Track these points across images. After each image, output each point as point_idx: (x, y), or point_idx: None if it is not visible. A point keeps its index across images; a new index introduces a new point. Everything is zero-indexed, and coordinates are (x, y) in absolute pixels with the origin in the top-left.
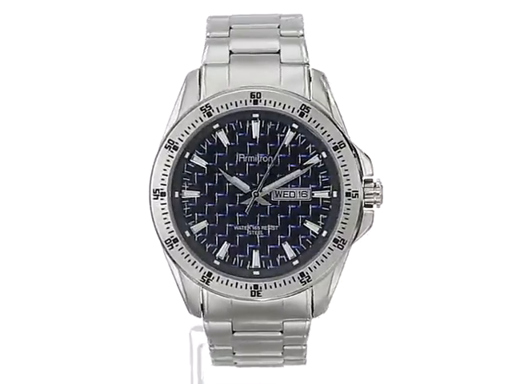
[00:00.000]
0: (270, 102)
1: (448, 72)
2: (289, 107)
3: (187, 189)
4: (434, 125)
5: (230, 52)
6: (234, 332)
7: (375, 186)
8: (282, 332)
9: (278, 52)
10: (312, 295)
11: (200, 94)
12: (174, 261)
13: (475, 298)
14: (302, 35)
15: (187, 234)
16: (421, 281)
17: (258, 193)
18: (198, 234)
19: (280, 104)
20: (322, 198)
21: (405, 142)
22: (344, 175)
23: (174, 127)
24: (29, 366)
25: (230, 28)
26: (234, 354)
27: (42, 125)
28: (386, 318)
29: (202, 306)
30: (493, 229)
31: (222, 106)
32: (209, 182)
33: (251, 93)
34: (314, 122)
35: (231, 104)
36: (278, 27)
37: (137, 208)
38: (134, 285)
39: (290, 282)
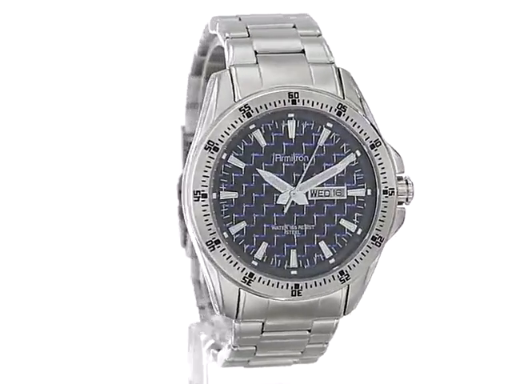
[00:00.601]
0: (308, 101)
1: (449, 67)
2: (326, 106)
3: (225, 190)
4: (440, 120)
5: (255, 52)
6: (262, 332)
7: (407, 182)
8: (309, 331)
9: (303, 52)
10: (347, 293)
11: (234, 94)
12: (214, 263)
13: (486, 299)
14: (320, 34)
15: (225, 235)
16: (426, 281)
17: (295, 192)
18: (236, 235)
19: (318, 103)
20: (357, 197)
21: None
22: (381, 173)
23: (213, 128)
24: (28, 365)
25: (247, 28)
26: (254, 354)
27: (45, 125)
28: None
29: (237, 307)
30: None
31: (260, 107)
32: (246, 182)
33: (289, 93)
34: (351, 120)
35: (270, 104)
36: (294, 27)
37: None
38: (135, 285)
39: (329, 281)
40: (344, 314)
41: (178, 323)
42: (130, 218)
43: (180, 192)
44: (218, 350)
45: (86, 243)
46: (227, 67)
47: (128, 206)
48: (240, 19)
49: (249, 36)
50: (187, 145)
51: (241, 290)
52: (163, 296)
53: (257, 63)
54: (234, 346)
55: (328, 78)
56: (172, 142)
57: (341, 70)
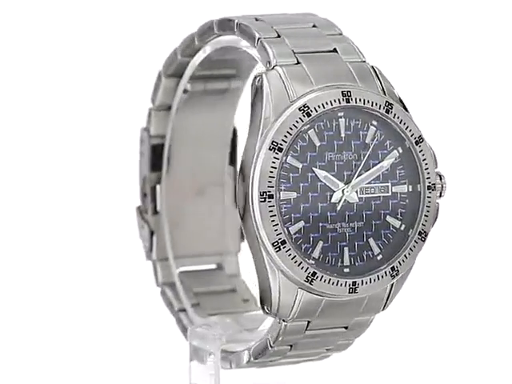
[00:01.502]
0: (360, 99)
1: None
2: (376, 104)
3: (284, 190)
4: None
5: (293, 52)
6: (305, 331)
7: (441, 177)
8: (346, 328)
9: (335, 50)
10: (391, 289)
11: (288, 94)
12: (276, 264)
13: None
14: (341, 33)
15: (288, 235)
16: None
17: (348, 190)
18: (294, 234)
19: (368, 102)
20: (400, 193)
21: None
22: (425, 169)
23: (274, 129)
24: (27, 367)
25: (273, 28)
26: (285, 353)
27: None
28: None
29: (292, 307)
30: None
31: (318, 106)
32: (303, 182)
33: (342, 91)
34: (398, 118)
35: (326, 103)
36: (314, 26)
37: None
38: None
39: (382, 277)
40: (382, 310)
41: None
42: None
43: (145, 194)
44: (231, 352)
45: (86, 244)
46: (268, 67)
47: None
48: (257, 19)
49: (279, 36)
50: (154, 147)
51: (299, 290)
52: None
53: (298, 63)
54: (272, 347)
55: (368, 76)
56: (119, 144)
57: (375, 68)
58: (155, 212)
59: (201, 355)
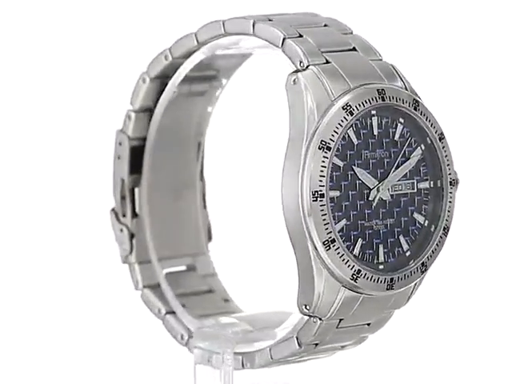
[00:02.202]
0: (393, 97)
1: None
2: (406, 102)
3: (330, 189)
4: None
5: (320, 51)
6: (335, 329)
7: (455, 173)
8: (368, 324)
9: (354, 49)
10: (415, 285)
11: (328, 93)
12: (324, 263)
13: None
14: (352, 32)
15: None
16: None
17: (383, 188)
18: (338, 233)
19: (400, 99)
20: (424, 189)
21: None
22: (447, 165)
23: (321, 128)
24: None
25: (292, 27)
26: (309, 352)
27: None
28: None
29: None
30: None
31: (359, 105)
32: (344, 180)
33: (377, 90)
34: (424, 114)
35: (366, 102)
36: (326, 25)
37: None
38: None
39: (414, 273)
40: (403, 305)
41: None
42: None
43: (123, 197)
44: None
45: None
46: (301, 66)
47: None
48: (270, 19)
49: (301, 35)
50: (133, 149)
51: (341, 288)
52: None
53: (328, 62)
54: (300, 346)
55: (391, 74)
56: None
57: (394, 66)
58: (135, 215)
59: (209, 357)
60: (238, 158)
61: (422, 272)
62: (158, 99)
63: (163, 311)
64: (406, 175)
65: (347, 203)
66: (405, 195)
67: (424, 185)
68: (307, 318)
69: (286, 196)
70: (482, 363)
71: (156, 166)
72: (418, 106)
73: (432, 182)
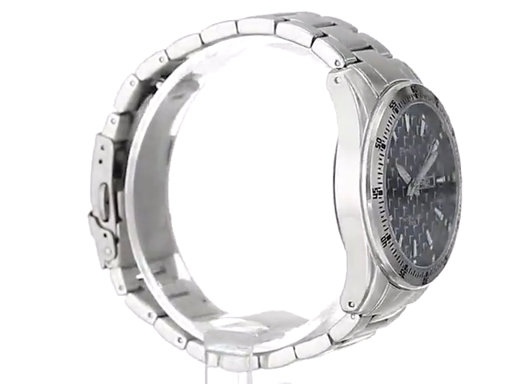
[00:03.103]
0: (423, 95)
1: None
2: (430, 99)
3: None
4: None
5: (349, 49)
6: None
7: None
8: (386, 320)
9: (371, 47)
10: None
11: (372, 91)
12: (378, 259)
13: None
14: (357, 30)
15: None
16: None
17: (416, 184)
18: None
19: (427, 96)
20: (440, 184)
21: None
22: (458, 159)
23: (375, 126)
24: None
25: (313, 26)
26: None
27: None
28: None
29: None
30: None
31: (403, 102)
32: (389, 177)
33: (411, 87)
34: (442, 110)
35: (407, 99)
36: (334, 24)
37: None
38: None
39: (439, 267)
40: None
41: None
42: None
43: (107, 202)
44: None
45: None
46: (338, 65)
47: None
48: (286, 20)
49: (325, 35)
50: (116, 153)
51: (387, 284)
52: None
53: (359, 60)
54: (334, 343)
55: (409, 71)
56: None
57: (406, 63)
58: (118, 219)
59: (225, 360)
60: (211, 157)
61: (444, 265)
62: (140, 102)
63: (154, 315)
64: (428, 171)
65: (391, 200)
66: (426, 190)
67: (440, 180)
68: (344, 314)
69: (342, 195)
70: (482, 363)
71: (140, 169)
72: (438, 102)
73: (447, 177)
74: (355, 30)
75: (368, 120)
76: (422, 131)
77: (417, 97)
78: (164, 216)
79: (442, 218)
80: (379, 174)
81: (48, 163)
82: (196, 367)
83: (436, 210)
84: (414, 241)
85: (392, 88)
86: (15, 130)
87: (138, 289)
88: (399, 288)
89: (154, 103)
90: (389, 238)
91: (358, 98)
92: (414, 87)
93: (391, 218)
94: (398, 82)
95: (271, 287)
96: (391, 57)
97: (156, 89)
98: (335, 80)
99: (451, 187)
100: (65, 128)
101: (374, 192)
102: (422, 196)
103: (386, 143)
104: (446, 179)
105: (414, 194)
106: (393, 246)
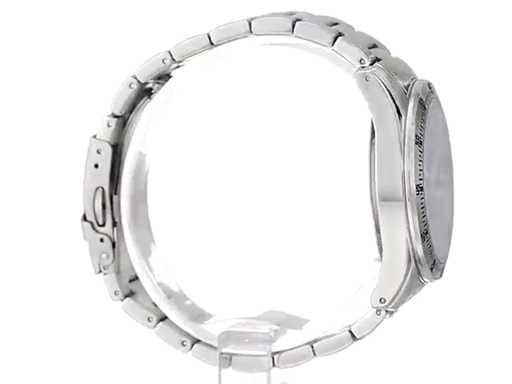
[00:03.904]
0: (434, 91)
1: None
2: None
3: None
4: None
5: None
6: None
7: None
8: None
9: (376, 46)
10: None
11: (401, 89)
12: (418, 254)
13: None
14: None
15: None
16: None
17: (431, 181)
18: None
19: (435, 92)
20: (443, 179)
21: None
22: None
23: (411, 123)
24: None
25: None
26: None
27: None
28: None
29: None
30: None
31: (427, 98)
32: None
33: (427, 84)
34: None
35: (429, 95)
36: (337, 24)
37: None
38: None
39: (445, 261)
40: None
41: None
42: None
43: (104, 206)
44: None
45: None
46: (363, 63)
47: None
48: (299, 19)
49: (341, 34)
50: (114, 156)
51: (417, 280)
52: None
53: (378, 59)
54: (356, 339)
55: (409, 67)
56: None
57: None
58: (114, 223)
59: (242, 361)
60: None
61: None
62: (135, 104)
63: (154, 318)
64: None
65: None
66: (439, 186)
67: (444, 176)
68: (368, 311)
69: (384, 193)
70: (482, 363)
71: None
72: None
73: (448, 173)
74: (354, 29)
75: (404, 116)
76: (426, 128)
77: (432, 93)
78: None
79: (447, 214)
80: (420, 170)
81: (39, 165)
82: (199, 370)
83: (444, 204)
84: (438, 235)
85: (415, 85)
86: (14, 129)
87: (131, 293)
88: (423, 282)
89: (152, 105)
90: (427, 233)
91: (390, 95)
92: (429, 84)
93: (428, 214)
94: (414, 78)
95: (257, 288)
96: (390, 54)
97: (151, 91)
98: (366, 78)
99: (451, 183)
100: (55, 130)
101: (416, 188)
102: (438, 191)
103: (422, 140)
104: (448, 175)
105: (433, 192)
106: (429, 242)
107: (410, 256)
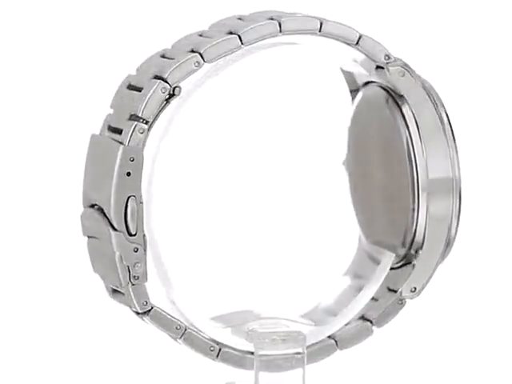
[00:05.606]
0: None
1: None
2: None
3: None
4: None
5: None
6: None
7: None
8: None
9: None
10: None
11: (426, 82)
12: (450, 244)
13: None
14: None
15: None
16: None
17: None
18: None
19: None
20: None
21: None
22: None
23: (446, 114)
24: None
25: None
26: None
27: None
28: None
29: None
30: None
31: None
32: None
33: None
34: None
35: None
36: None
37: None
38: None
39: None
40: None
41: None
42: None
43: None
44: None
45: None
46: (389, 60)
47: None
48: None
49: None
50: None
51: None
52: None
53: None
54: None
55: None
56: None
57: None
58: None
59: (278, 362)
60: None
61: None
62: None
63: (183, 326)
64: None
65: None
66: None
67: None
68: (391, 301)
69: (436, 179)
70: (482, 363)
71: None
72: None
73: None
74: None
75: (440, 108)
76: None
77: None
78: None
79: None
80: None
81: (39, 165)
82: (198, 369)
83: None
84: None
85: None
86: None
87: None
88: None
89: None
90: (459, 218)
91: (426, 89)
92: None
93: None
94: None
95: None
96: None
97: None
98: (400, 73)
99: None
100: (55, 130)
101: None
102: None
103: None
104: None
105: None
106: (458, 227)
107: (447, 242)
